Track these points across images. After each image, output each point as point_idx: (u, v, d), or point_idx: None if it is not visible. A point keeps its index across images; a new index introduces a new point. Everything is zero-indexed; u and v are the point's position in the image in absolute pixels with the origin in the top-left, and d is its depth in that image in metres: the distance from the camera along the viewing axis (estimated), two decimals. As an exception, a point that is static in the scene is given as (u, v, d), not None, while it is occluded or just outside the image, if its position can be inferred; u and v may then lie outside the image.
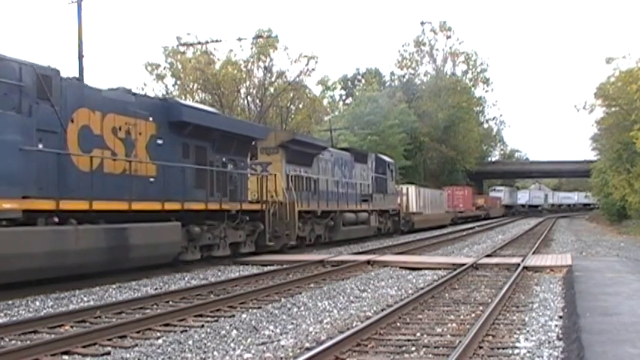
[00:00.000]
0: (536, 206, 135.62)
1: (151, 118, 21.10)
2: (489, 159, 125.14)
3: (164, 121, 21.74)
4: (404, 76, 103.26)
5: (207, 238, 23.30)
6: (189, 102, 29.01)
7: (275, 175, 28.89)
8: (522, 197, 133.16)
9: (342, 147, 48.27)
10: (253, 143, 28.33)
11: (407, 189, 54.70)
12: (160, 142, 21.45)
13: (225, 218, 24.31)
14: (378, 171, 44.38)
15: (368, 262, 23.72)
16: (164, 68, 70.14)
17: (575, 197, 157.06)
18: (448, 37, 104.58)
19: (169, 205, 20.93)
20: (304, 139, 35.03)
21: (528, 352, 9.81)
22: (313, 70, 74.55)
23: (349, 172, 38.89)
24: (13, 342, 10.99)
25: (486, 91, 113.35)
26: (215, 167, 24.32)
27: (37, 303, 15.18)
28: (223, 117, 29.26)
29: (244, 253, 25.93)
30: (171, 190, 21.17)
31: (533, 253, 27.24)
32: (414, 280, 19.33)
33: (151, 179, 20.76)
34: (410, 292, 16.84)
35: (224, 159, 25.14)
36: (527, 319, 12.53)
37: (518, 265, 21.27)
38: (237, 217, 25.12)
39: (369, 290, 17.18)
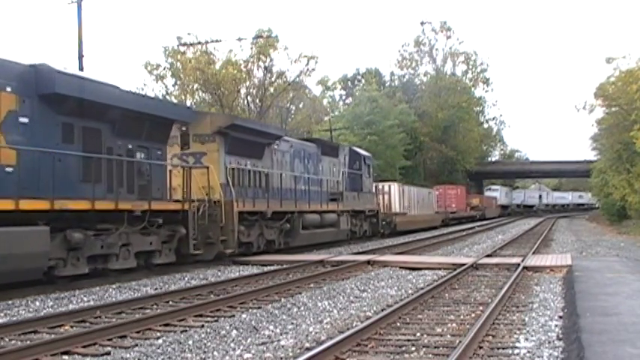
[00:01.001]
0: (531, 206, 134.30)
1: (9, 89, 16.35)
2: (489, 159, 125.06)
3: (32, 94, 17.00)
4: (404, 76, 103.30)
5: (97, 246, 18.53)
6: (75, 72, 21.93)
7: (208, 167, 24.40)
8: (517, 197, 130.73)
9: (309, 137, 45.31)
10: (184, 129, 24.33)
11: (389, 187, 50.52)
12: (23, 120, 16.70)
13: (125, 221, 19.40)
14: (352, 166, 39.59)
15: (368, 262, 23.72)
16: (164, 68, 70.14)
17: (570, 197, 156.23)
18: (448, 37, 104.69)
19: (29, 204, 16.08)
20: (250, 124, 29.25)
21: (528, 352, 9.81)
22: (313, 70, 74.56)
23: (314, 166, 33.89)
24: (13, 342, 10.99)
25: (486, 91, 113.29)
26: (115, 156, 19.61)
27: (37, 303, 15.19)
28: (126, 92, 20.70)
29: (160, 264, 21.37)
30: (39, 184, 16.66)
31: (533, 253, 27.24)
32: (414, 280, 19.33)
33: (8, 169, 16.00)
34: (410, 292, 16.84)
35: (130, 146, 20.39)
36: (527, 319, 12.53)
37: (518, 265, 21.27)
38: (148, 220, 20.29)
39: (369, 290, 17.18)
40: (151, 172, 20.97)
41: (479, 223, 71.03)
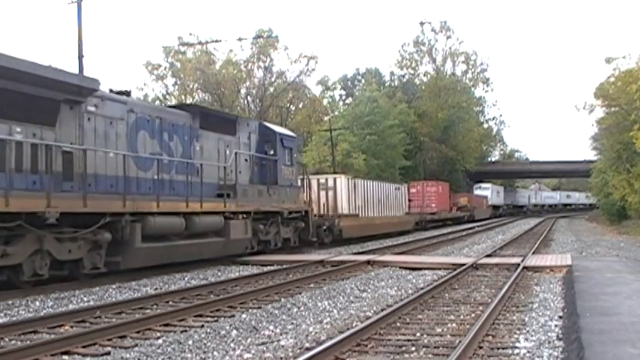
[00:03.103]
0: (522, 206, 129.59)
1: None
2: (489, 159, 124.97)
3: None
4: (404, 76, 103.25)
5: None
6: None
7: None
8: (508, 197, 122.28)
9: (180, 104, 32.86)
10: None
11: (334, 181, 39.83)
12: None
13: None
14: (261, 149, 28.73)
15: (368, 262, 23.74)
16: (164, 68, 70.15)
17: (558, 197, 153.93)
18: (448, 37, 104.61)
19: None
20: (16, 65, 16.97)
21: (528, 352, 9.81)
22: (313, 70, 74.70)
23: (183, 144, 23.94)
24: (13, 342, 10.99)
25: (486, 91, 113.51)
26: None
27: (37, 303, 15.20)
28: None
29: None
30: None
31: (533, 253, 27.25)
32: (414, 280, 19.34)
33: None
34: (410, 292, 16.85)
35: None
36: (527, 319, 12.54)
37: (518, 265, 21.28)
38: None
39: (369, 290, 17.18)
40: None
41: (465, 226, 63.09)
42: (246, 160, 27.57)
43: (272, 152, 29.08)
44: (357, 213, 41.14)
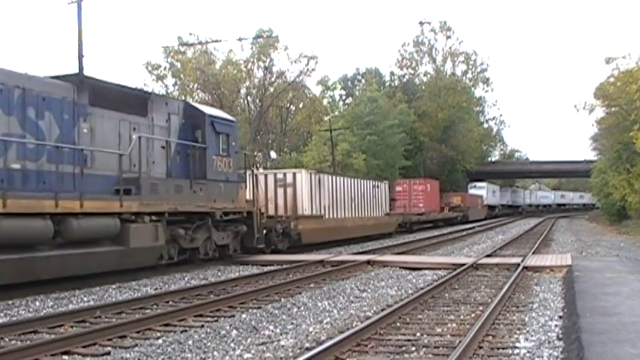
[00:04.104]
0: (517, 206, 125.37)
1: None
2: (489, 159, 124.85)
3: None
4: (404, 76, 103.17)
5: None
6: None
7: None
8: (504, 197, 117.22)
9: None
10: None
11: (293, 176, 33.71)
12: None
13: None
14: (187, 135, 23.79)
15: (368, 262, 23.75)
16: (164, 68, 70.21)
17: (552, 197, 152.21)
18: (448, 37, 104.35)
19: None
20: None
21: (528, 352, 9.82)
22: (313, 70, 74.71)
23: (66, 125, 18.94)
24: (13, 342, 11.01)
25: (486, 91, 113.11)
26: None
27: (37, 303, 15.22)
28: None
29: None
30: None
31: (533, 253, 27.23)
32: (414, 280, 19.34)
33: None
34: (410, 292, 16.85)
35: None
36: (527, 319, 12.54)
37: (518, 265, 21.28)
38: None
39: (369, 290, 17.19)
40: None
41: (456, 228, 59.05)
42: (163, 147, 22.37)
43: (201, 140, 24.14)
44: (322, 214, 35.21)
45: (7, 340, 11.14)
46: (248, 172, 28.17)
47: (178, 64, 69.47)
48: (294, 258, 25.81)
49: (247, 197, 27.19)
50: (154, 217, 20.66)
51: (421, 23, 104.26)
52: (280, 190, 33.28)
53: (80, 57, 33.27)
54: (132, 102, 21.59)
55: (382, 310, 13.49)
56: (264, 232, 28.15)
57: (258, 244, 26.85)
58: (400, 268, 22.47)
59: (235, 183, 25.84)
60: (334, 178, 38.35)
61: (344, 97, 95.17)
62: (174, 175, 22.61)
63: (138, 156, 20.68)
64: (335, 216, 37.12)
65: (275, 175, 34.03)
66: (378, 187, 46.39)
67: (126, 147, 20.40)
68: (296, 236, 31.07)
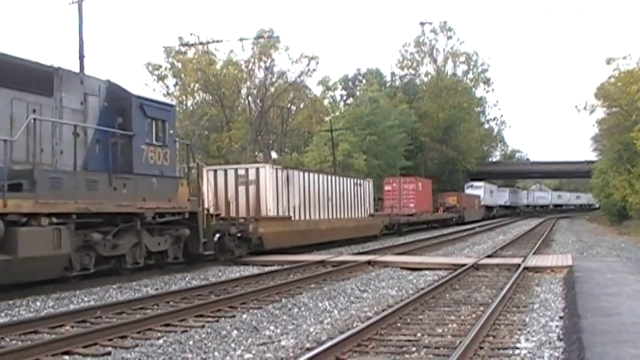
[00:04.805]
0: (515, 207, 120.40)
1: None
2: (490, 159, 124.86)
3: None
4: (405, 77, 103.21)
5: None
6: None
7: None
8: (501, 197, 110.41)
9: None
10: None
11: (256, 172, 29.55)
12: None
13: None
14: (108, 119, 19.86)
15: (369, 262, 23.74)
16: (165, 69, 70.25)
17: (549, 197, 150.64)
18: (449, 38, 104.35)
19: None
20: None
21: (529, 352, 9.81)
22: (314, 70, 74.90)
23: None
24: (14, 342, 11.01)
25: (487, 92, 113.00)
26: None
27: (38, 303, 15.22)
28: None
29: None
30: None
31: (534, 253, 27.20)
32: (415, 281, 19.34)
33: None
34: (410, 292, 16.85)
35: None
36: (527, 319, 12.54)
37: (519, 265, 21.27)
38: None
39: (370, 291, 17.18)
40: None
41: (450, 230, 55.68)
42: (75, 134, 18.38)
43: (127, 126, 20.27)
44: (290, 215, 31.05)
45: (7, 340, 11.15)
46: (192, 166, 24.69)
47: (179, 65, 69.52)
48: (294, 258, 25.78)
49: (189, 195, 23.17)
50: (55, 220, 16.68)
51: (422, 24, 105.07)
52: (242, 188, 29.30)
53: (81, 57, 33.40)
54: (30, 78, 17.57)
55: (383, 311, 13.48)
56: (218, 236, 25.12)
57: (206, 250, 23.34)
58: (401, 268, 22.46)
59: (173, 179, 22.08)
60: (306, 174, 34.22)
61: (345, 98, 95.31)
62: (93, 169, 18.83)
63: (33, 144, 17.14)
64: (307, 217, 32.93)
65: (236, 170, 29.76)
66: (360, 185, 42.06)
67: (10, 134, 16.49)
68: (257, 241, 27.12)
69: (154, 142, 21.13)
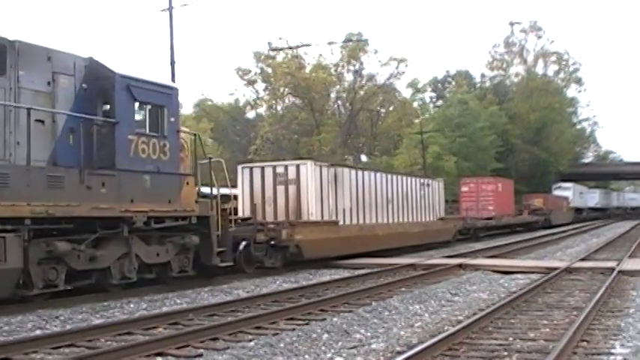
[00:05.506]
0: (605, 209, 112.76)
1: None
2: (582, 161, 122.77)
3: None
4: (494, 78, 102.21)
5: None
6: None
7: None
8: (592, 198, 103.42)
9: None
10: None
11: (296, 170, 26.03)
12: None
13: None
14: (87, 104, 16.62)
15: (459, 265, 23.59)
16: (255, 73, 70.95)
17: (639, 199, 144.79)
18: (539, 37, 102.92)
19: None
20: None
21: (624, 358, 9.63)
22: (403, 72, 74.73)
23: None
24: (109, 343, 11.21)
25: (579, 92, 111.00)
26: None
27: (132, 305, 15.49)
28: None
29: None
30: None
31: (630, 257, 26.66)
32: (506, 284, 19.14)
33: None
34: (502, 295, 16.68)
35: None
36: (623, 324, 12.28)
37: (614, 269, 20.86)
38: None
39: (461, 294, 17.06)
40: None
41: (536, 234, 50.88)
42: (40, 121, 15.46)
43: (112, 113, 16.85)
44: (338, 219, 27.37)
45: (102, 340, 11.38)
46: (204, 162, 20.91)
47: (269, 69, 70.12)
48: (385, 261, 25.71)
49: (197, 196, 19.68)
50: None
51: (511, 23, 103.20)
52: (280, 188, 26.12)
53: (172, 63, 33.96)
54: None
55: (474, 314, 13.37)
56: (244, 244, 22.20)
57: (223, 262, 19.90)
58: (492, 271, 22.23)
59: (175, 176, 18.48)
60: (359, 173, 30.21)
61: (434, 100, 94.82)
62: (64, 164, 15.65)
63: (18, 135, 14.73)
64: (360, 222, 29.31)
65: (274, 168, 26.46)
66: (428, 185, 38.00)
67: None
68: (294, 249, 23.92)
69: (148, 131, 17.55)
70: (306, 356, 10.12)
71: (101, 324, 12.68)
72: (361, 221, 29.35)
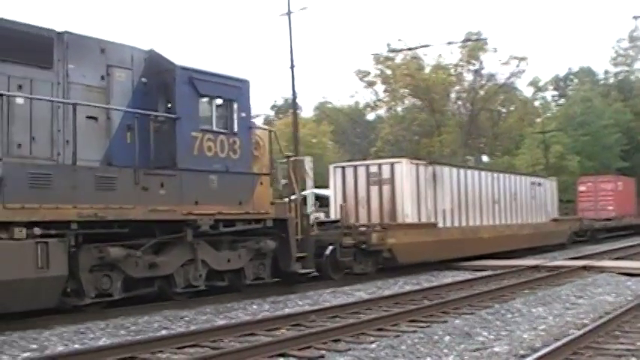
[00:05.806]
0: None
1: None
2: None
3: None
4: (619, 74, 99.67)
5: None
6: None
7: None
8: None
9: None
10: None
11: (391, 168, 24.87)
12: None
13: None
14: (147, 99, 15.75)
15: (584, 267, 23.13)
16: (374, 75, 71.08)
17: None
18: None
19: None
20: None
21: None
22: (523, 71, 73.65)
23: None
24: (232, 343, 11.39)
25: None
26: None
27: (255, 306, 15.72)
28: None
29: None
30: None
31: None
32: (634, 287, 18.65)
33: None
34: (629, 298, 16.26)
35: None
36: None
37: None
38: None
39: (586, 297, 16.71)
40: None
41: None
42: (92, 118, 14.73)
43: (171, 107, 15.79)
44: (437, 222, 25.89)
45: (226, 341, 11.57)
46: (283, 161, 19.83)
47: (388, 71, 70.13)
48: (508, 263, 25.42)
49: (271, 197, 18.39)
50: (39, 231, 12.71)
51: (635, 17, 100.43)
52: (374, 189, 24.93)
53: (292, 66, 34.38)
54: (12, 45, 13.44)
55: (600, 318, 13.08)
56: (331, 249, 21.05)
57: (304, 268, 18.80)
58: (618, 273, 21.73)
59: (246, 175, 17.26)
60: (461, 171, 28.59)
61: (556, 98, 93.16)
62: (119, 163, 14.73)
63: (7, 130, 13.15)
64: (461, 224, 27.68)
65: (367, 167, 25.34)
66: (540, 184, 36.24)
67: (4, 117, 13.01)
68: (387, 254, 22.71)
69: (215, 127, 16.48)
70: (428, 358, 10.08)
71: (225, 325, 12.90)
72: (464, 223, 27.88)
